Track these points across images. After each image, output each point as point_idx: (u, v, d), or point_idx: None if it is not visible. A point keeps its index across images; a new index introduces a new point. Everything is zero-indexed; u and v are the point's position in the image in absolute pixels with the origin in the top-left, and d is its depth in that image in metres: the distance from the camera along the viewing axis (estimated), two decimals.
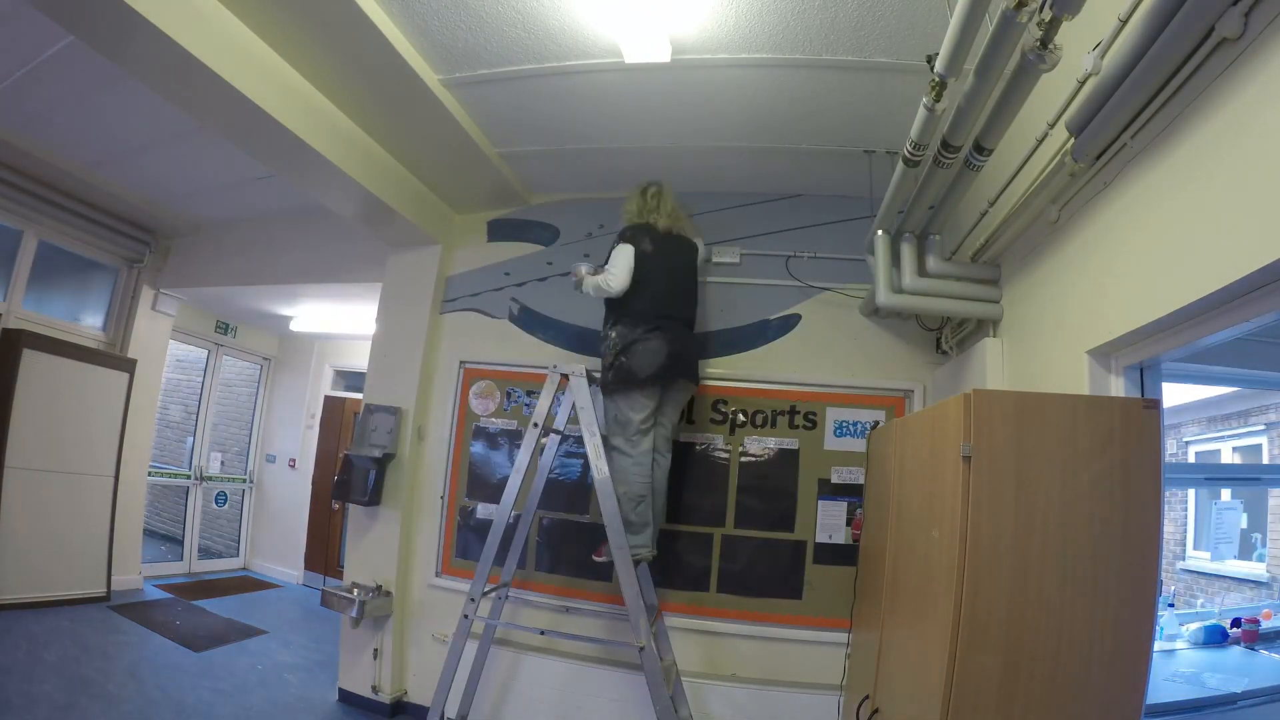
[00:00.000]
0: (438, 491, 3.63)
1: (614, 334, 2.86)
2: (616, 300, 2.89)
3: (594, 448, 2.68)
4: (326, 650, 4.18)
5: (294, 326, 6.08)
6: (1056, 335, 2.17)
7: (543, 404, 2.84)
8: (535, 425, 2.82)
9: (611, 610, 3.22)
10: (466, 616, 2.75)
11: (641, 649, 2.47)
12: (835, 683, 2.89)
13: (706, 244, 3.58)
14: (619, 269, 2.84)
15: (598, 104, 2.97)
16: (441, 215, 3.90)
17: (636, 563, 2.68)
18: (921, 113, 2.03)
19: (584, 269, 2.96)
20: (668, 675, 2.75)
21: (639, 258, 2.86)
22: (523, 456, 2.82)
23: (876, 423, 3.27)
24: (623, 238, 2.95)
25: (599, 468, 2.67)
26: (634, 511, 2.75)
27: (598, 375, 2.92)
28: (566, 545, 3.47)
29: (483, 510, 3.56)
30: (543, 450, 3.10)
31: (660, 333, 2.81)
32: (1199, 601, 3.71)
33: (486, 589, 2.83)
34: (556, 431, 3.00)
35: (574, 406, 2.80)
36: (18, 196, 4.31)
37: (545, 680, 3.22)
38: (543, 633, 2.93)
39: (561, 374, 2.87)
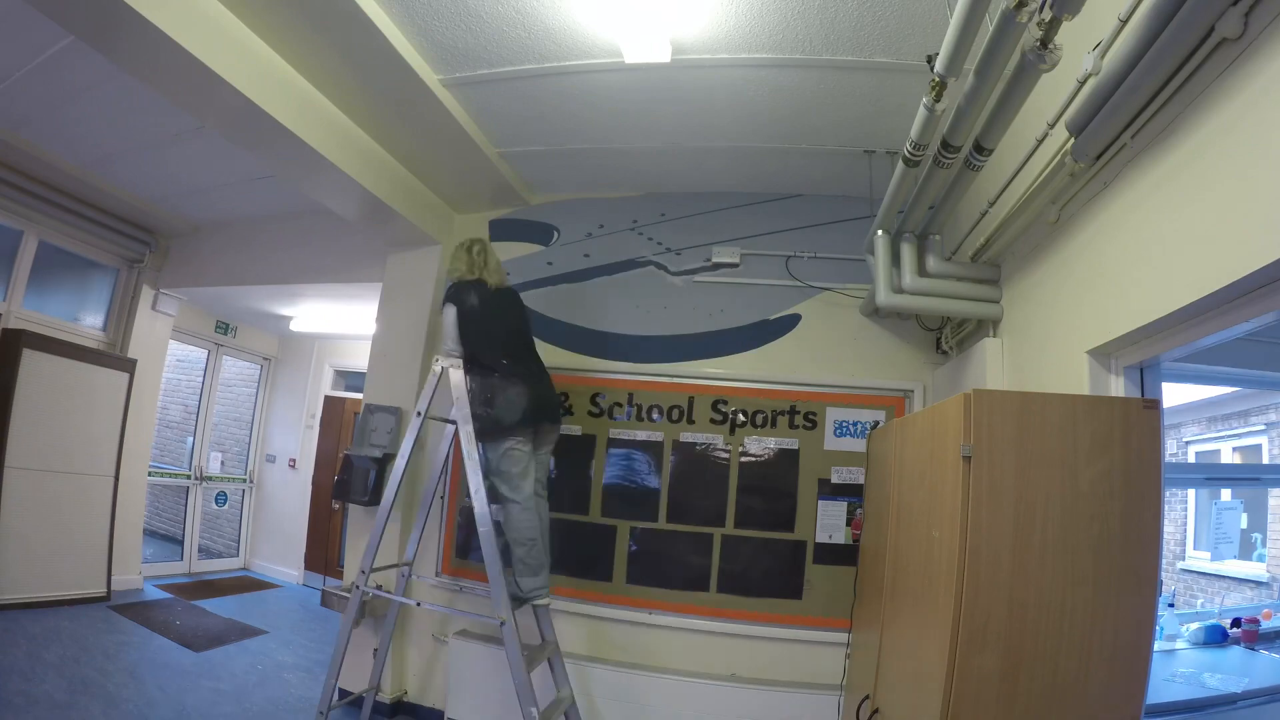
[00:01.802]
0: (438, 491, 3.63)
1: (475, 386, 2.90)
2: (471, 359, 2.92)
3: (466, 435, 2.73)
4: (326, 650, 4.18)
5: (294, 326, 6.08)
6: (1056, 335, 2.17)
7: (425, 393, 2.89)
8: (418, 414, 2.89)
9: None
10: (357, 587, 2.85)
11: (502, 623, 2.57)
12: (835, 683, 2.89)
13: (706, 244, 3.60)
14: (446, 334, 2.93)
15: (598, 104, 2.97)
16: (441, 215, 3.90)
17: (528, 605, 2.81)
18: (921, 113, 2.03)
19: (442, 359, 2.95)
20: (537, 654, 2.83)
21: (470, 313, 2.90)
22: (405, 444, 2.89)
23: (876, 423, 3.27)
24: (448, 299, 2.94)
25: (471, 455, 2.71)
26: (529, 555, 2.82)
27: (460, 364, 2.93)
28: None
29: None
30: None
31: (517, 379, 2.88)
32: (1199, 601, 3.71)
33: (380, 565, 2.98)
34: (450, 421, 2.99)
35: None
36: (18, 196, 4.31)
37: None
38: (419, 604, 3.04)
39: (443, 366, 2.88)
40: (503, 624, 2.57)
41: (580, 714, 2.96)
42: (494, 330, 2.94)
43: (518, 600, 2.75)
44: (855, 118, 2.90)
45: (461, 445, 2.73)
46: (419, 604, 3.03)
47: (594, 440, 3.50)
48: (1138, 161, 1.72)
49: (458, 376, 2.82)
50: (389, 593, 3.05)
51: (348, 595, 3.36)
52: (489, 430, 2.84)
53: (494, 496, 2.82)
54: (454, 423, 2.93)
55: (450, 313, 2.91)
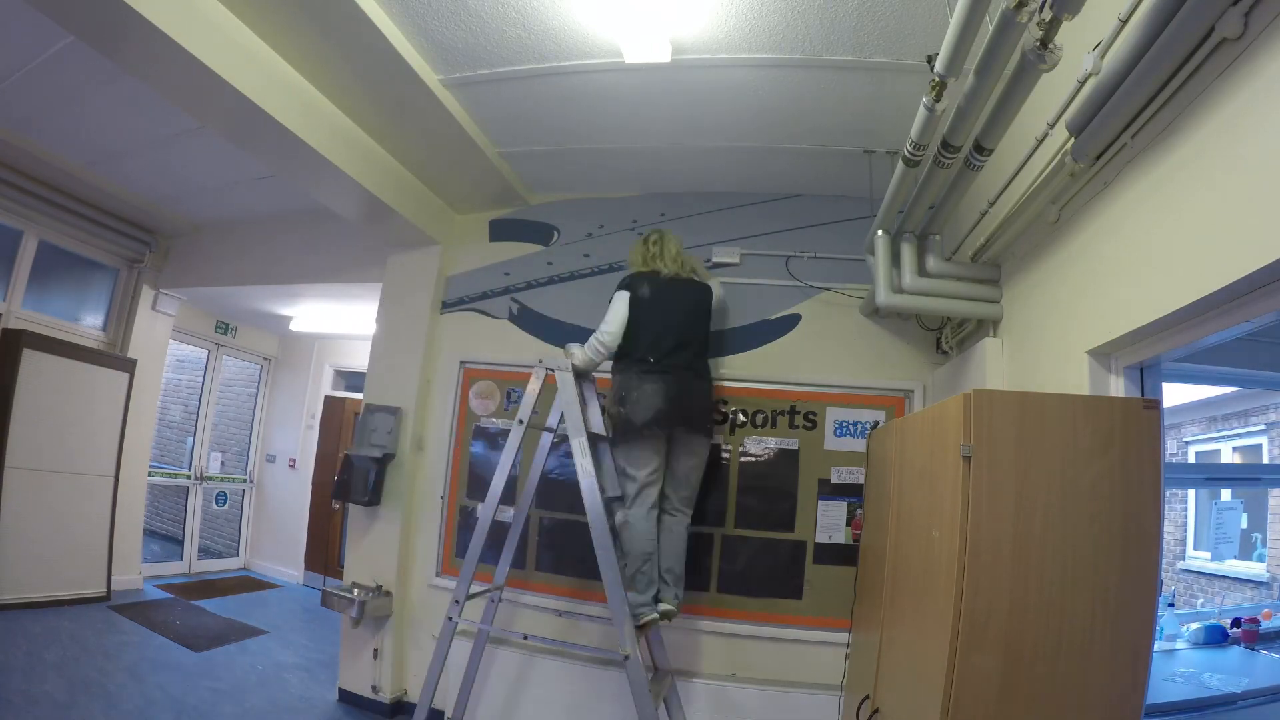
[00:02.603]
0: (438, 492, 3.64)
1: (617, 381, 2.79)
2: (619, 351, 2.82)
3: (579, 446, 2.59)
4: (326, 650, 4.18)
5: (294, 326, 6.08)
6: (1056, 335, 2.17)
7: (527, 401, 2.77)
8: (520, 422, 2.75)
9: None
10: (451, 619, 2.69)
11: (626, 658, 2.40)
12: (835, 683, 2.89)
13: (706, 244, 3.59)
14: (611, 317, 2.79)
15: (598, 104, 2.97)
16: (441, 215, 3.90)
17: (640, 628, 2.57)
18: (921, 113, 2.03)
19: (574, 348, 2.84)
20: (660, 685, 2.71)
21: (634, 303, 2.78)
22: (506, 455, 2.77)
23: (876, 423, 3.27)
24: (621, 286, 2.88)
25: (584, 467, 2.58)
26: (638, 570, 2.65)
27: (580, 366, 2.82)
28: (568, 546, 3.46)
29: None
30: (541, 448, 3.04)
31: (658, 377, 2.71)
32: (1199, 601, 3.71)
33: (476, 590, 2.79)
34: (548, 429, 2.91)
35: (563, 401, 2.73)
36: (18, 196, 4.31)
37: (549, 681, 3.18)
38: (526, 638, 2.82)
39: (548, 370, 2.78)
40: (626, 658, 2.39)
41: None
42: (650, 322, 2.78)
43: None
44: (855, 118, 2.90)
45: (575, 458, 2.59)
46: (526, 637, 2.79)
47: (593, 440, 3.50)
48: (1138, 162, 1.72)
49: (567, 380, 2.68)
50: (472, 620, 2.95)
51: (348, 596, 3.38)
52: (617, 428, 2.70)
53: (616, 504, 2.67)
54: (551, 430, 2.81)
55: (621, 299, 2.80)
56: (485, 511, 2.75)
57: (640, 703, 2.36)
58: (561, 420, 2.78)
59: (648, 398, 2.66)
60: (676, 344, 2.81)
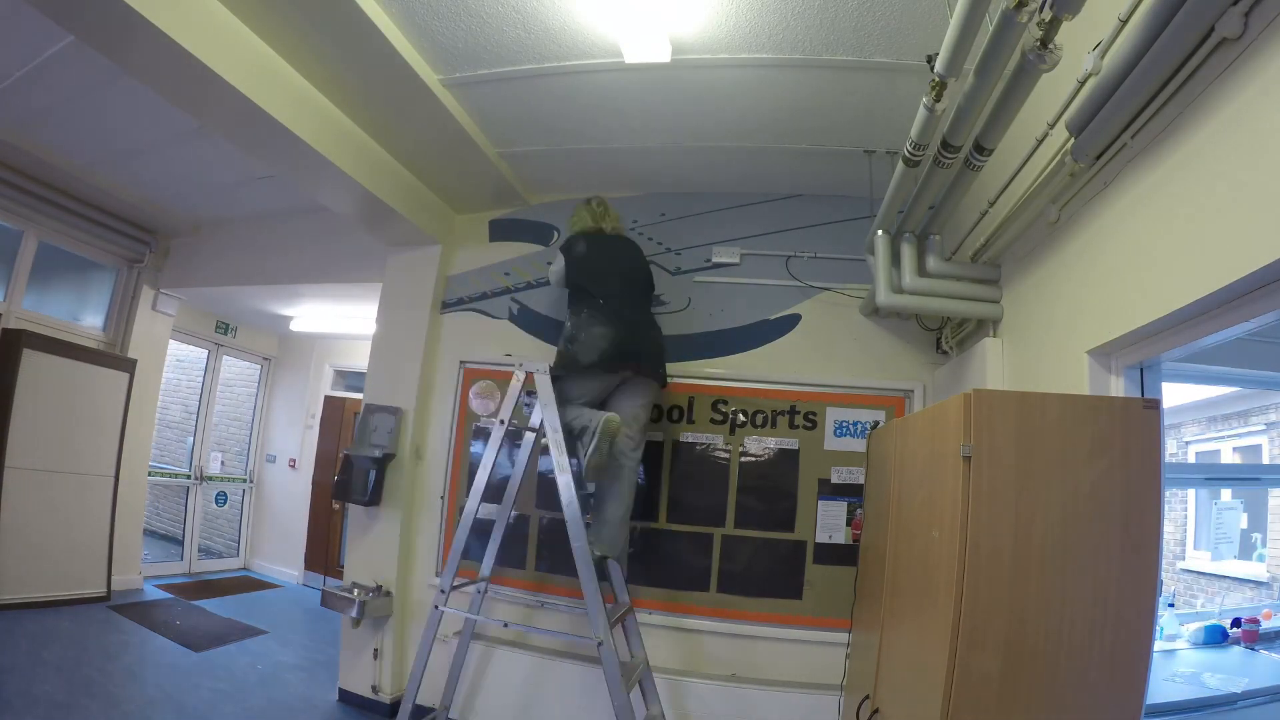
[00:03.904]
0: (438, 491, 3.64)
1: (568, 325, 2.96)
2: (571, 298, 3.07)
3: (556, 443, 2.69)
4: (326, 650, 4.18)
5: (294, 326, 6.08)
6: (1056, 335, 2.17)
7: (508, 402, 2.85)
8: (501, 422, 2.84)
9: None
10: (436, 607, 2.77)
11: (600, 644, 2.48)
12: (835, 683, 2.89)
13: (706, 244, 3.60)
14: (556, 265, 3.17)
15: (598, 104, 2.97)
16: (441, 215, 3.90)
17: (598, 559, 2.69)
18: (921, 113, 2.03)
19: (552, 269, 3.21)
20: (632, 672, 2.76)
21: (578, 258, 3.05)
22: (488, 453, 2.84)
23: (876, 423, 3.27)
24: (561, 249, 3.17)
25: (561, 464, 2.66)
26: (582, 432, 2.75)
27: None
28: (555, 542, 3.43)
29: (483, 510, 3.55)
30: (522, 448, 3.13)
31: (608, 318, 2.88)
32: (1199, 601, 3.71)
33: (459, 583, 2.87)
34: (531, 429, 2.95)
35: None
36: (18, 196, 4.31)
37: (518, 673, 3.22)
38: (506, 625, 2.95)
39: (526, 371, 2.86)
40: (600, 644, 2.48)
41: None
42: (601, 270, 3.02)
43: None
44: (855, 118, 2.90)
45: (552, 455, 2.67)
46: (506, 624, 2.93)
47: None
48: (1138, 161, 1.72)
49: (545, 381, 2.74)
50: (459, 610, 3.02)
51: (348, 596, 3.38)
52: (565, 365, 2.81)
53: (580, 482, 2.75)
54: (534, 430, 2.87)
55: (559, 263, 3.09)
56: (469, 506, 2.83)
57: (613, 687, 2.44)
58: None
59: (596, 339, 2.82)
60: (628, 292, 3.06)
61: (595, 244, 3.12)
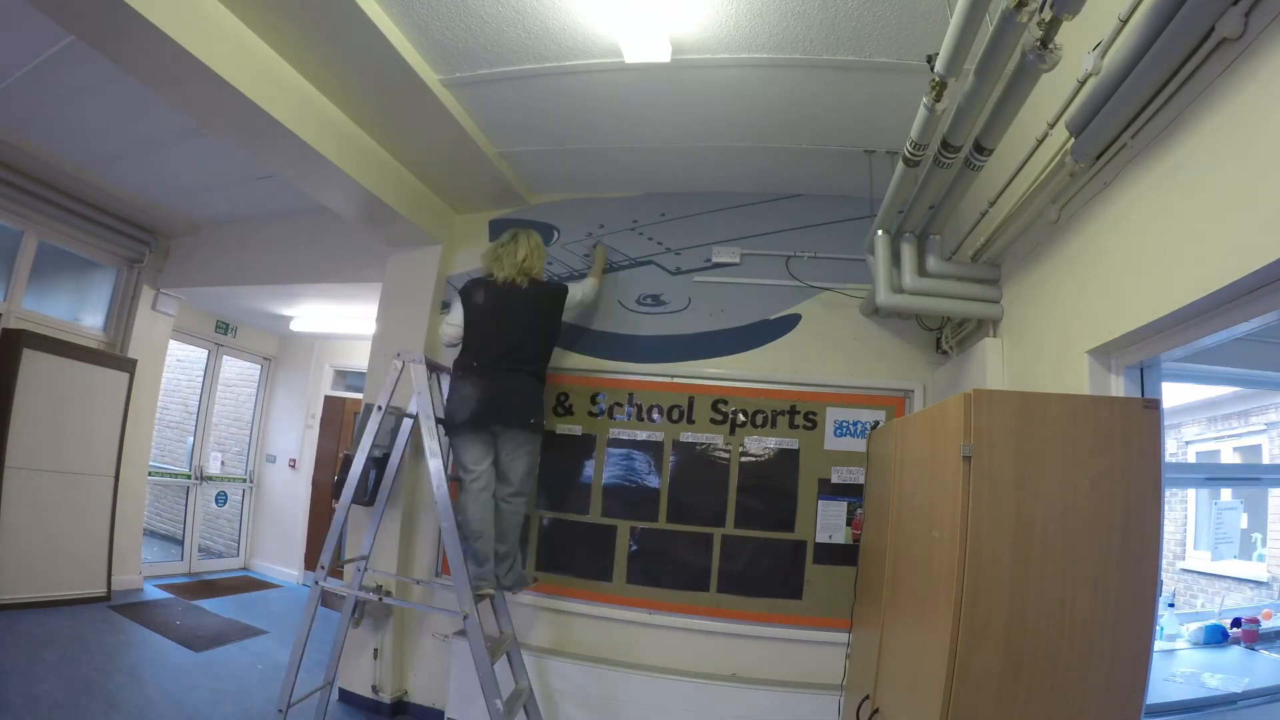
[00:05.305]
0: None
1: (449, 381, 3.02)
2: (458, 352, 3.05)
3: (428, 429, 2.80)
4: (327, 650, 4.17)
5: (294, 326, 6.08)
6: (1056, 335, 2.17)
7: (385, 387, 2.92)
8: (379, 408, 2.91)
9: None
10: (317, 583, 2.87)
11: (465, 617, 2.64)
12: (835, 683, 2.89)
13: (706, 244, 3.59)
14: (450, 318, 3.09)
15: (598, 104, 2.97)
16: (441, 215, 3.90)
17: (478, 598, 2.76)
18: (921, 113, 2.03)
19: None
20: (499, 646, 2.89)
21: (469, 309, 3.01)
22: (366, 437, 2.93)
23: (876, 423, 3.27)
24: (460, 291, 3.10)
25: (431, 448, 2.77)
26: (473, 545, 2.84)
27: (436, 361, 3.17)
28: (568, 546, 3.49)
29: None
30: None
31: (476, 379, 2.89)
32: (1199, 601, 3.71)
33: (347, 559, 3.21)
34: (409, 415, 3.19)
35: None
36: (18, 196, 4.31)
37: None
38: (380, 599, 3.05)
39: (404, 361, 2.93)
40: (466, 618, 2.64)
41: (539, 706, 3.03)
42: (479, 326, 2.99)
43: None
44: (855, 118, 2.90)
45: (424, 441, 2.82)
46: (380, 599, 3.05)
47: (594, 440, 3.50)
48: (1138, 161, 1.72)
49: (419, 371, 2.88)
50: (378, 592, 3.08)
51: (348, 595, 3.37)
52: (445, 426, 2.93)
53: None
54: (414, 416, 3.05)
55: (455, 310, 3.08)
56: (345, 497, 2.93)
57: (478, 657, 2.58)
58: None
59: (464, 400, 2.87)
60: (505, 348, 2.95)
61: (487, 296, 3.01)
